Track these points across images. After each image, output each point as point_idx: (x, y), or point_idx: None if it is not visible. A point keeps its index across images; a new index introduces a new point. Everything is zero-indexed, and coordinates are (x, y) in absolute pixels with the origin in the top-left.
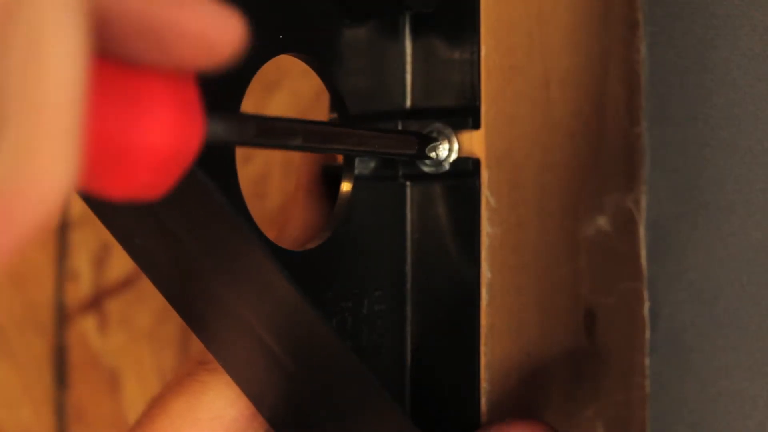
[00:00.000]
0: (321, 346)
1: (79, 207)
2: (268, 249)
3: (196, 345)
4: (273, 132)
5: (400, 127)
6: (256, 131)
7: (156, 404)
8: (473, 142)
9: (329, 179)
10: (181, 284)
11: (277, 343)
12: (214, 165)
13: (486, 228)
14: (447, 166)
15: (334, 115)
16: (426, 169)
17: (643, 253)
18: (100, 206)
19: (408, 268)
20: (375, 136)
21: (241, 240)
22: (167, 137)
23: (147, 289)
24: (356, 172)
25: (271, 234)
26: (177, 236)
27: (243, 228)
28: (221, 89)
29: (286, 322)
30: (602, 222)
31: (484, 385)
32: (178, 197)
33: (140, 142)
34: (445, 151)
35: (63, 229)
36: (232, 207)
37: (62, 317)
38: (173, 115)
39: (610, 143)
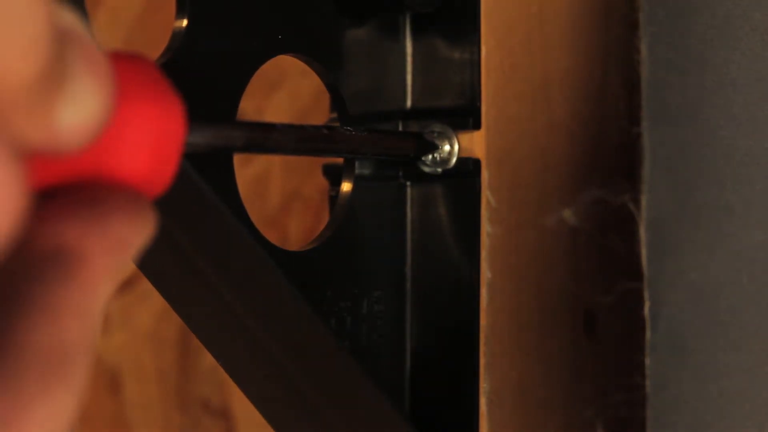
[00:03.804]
0: (318, 347)
1: None
2: (265, 250)
3: (196, 345)
4: (264, 139)
5: (400, 128)
6: (245, 139)
7: None
8: (473, 143)
9: (330, 179)
10: (180, 285)
11: (275, 344)
12: (212, 167)
13: (486, 228)
14: (447, 167)
15: (334, 115)
16: (426, 169)
17: (643, 253)
18: None
19: (408, 268)
20: (371, 139)
21: (238, 241)
22: (142, 154)
23: (147, 289)
24: (357, 172)
25: (272, 234)
26: (174, 237)
27: (239, 229)
28: (219, 89)
29: (284, 322)
30: (601, 221)
31: (484, 385)
32: (175, 198)
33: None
34: (446, 152)
35: None
36: (229, 208)
37: None
38: (149, 138)
39: (609, 143)
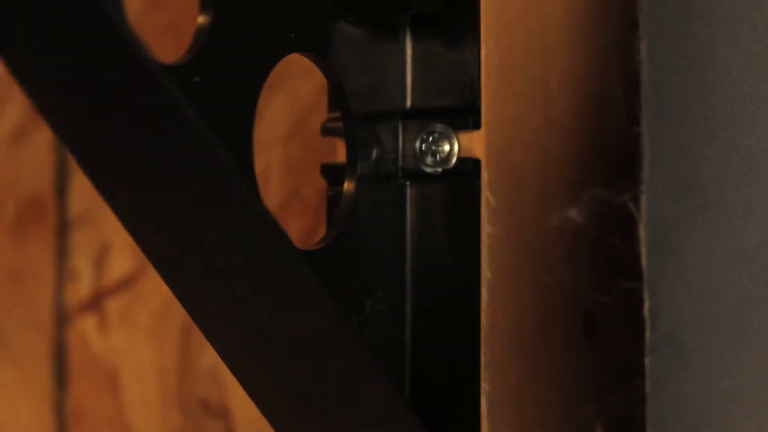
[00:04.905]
0: (332, 346)
1: (79, 207)
2: (290, 243)
3: (196, 344)
4: None
5: (400, 127)
6: None
7: None
8: (473, 142)
9: (329, 179)
10: (190, 279)
11: (286, 341)
12: (233, 159)
13: (486, 228)
14: (447, 166)
15: (333, 115)
16: (426, 169)
17: (643, 253)
18: (114, 199)
19: (408, 268)
20: None
21: (262, 237)
22: None
23: (147, 288)
24: (358, 172)
25: None
26: (191, 228)
27: (269, 224)
28: (241, 86)
29: (302, 321)
30: (602, 221)
31: (484, 385)
32: (203, 191)
33: None
34: (446, 152)
35: (63, 229)
36: (251, 203)
37: (62, 317)
38: None
39: (609, 143)
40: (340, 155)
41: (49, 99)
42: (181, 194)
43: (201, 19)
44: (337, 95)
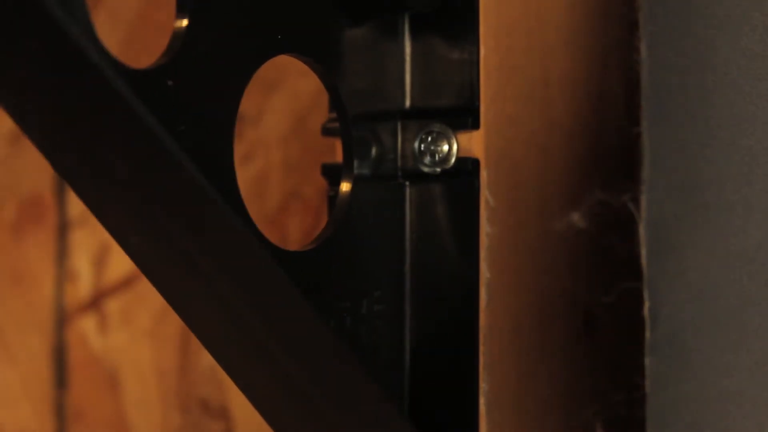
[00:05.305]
0: (318, 348)
1: (79, 207)
2: (266, 250)
3: (196, 345)
4: None
5: (399, 127)
6: None
7: None
8: (472, 142)
9: (329, 179)
10: (181, 285)
11: (275, 344)
12: (213, 166)
13: (485, 228)
14: (446, 166)
15: (333, 115)
16: (425, 169)
17: (643, 253)
18: (97, 205)
19: (407, 268)
20: None
21: (240, 241)
22: None
23: (147, 289)
24: (356, 172)
25: (271, 234)
26: (175, 236)
27: (242, 229)
28: (220, 89)
29: (286, 322)
30: (602, 222)
31: (482, 384)
32: (176, 198)
33: None
34: (445, 152)
35: (63, 229)
36: (230, 208)
37: (62, 317)
38: None
39: (609, 143)
40: (340, 155)
41: (16, 104)
42: (155, 198)
43: (177, 22)
44: (332, 96)
